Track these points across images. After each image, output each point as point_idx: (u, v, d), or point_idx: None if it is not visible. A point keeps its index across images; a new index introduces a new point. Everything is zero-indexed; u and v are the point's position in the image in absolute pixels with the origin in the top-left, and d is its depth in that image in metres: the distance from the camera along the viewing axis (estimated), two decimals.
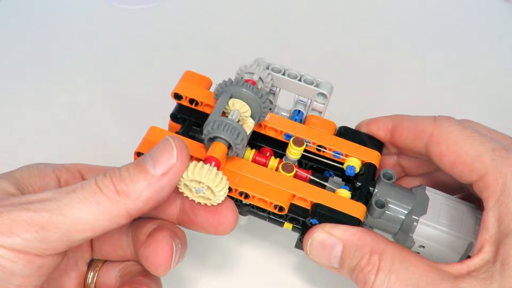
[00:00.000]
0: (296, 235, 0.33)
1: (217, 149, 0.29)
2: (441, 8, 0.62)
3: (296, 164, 0.32)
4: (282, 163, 0.31)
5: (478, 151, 0.28)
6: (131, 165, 0.26)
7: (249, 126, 0.30)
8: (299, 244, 0.32)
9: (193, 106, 0.34)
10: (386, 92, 0.52)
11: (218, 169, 0.28)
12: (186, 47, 0.54)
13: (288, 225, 0.32)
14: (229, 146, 0.29)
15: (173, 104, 0.34)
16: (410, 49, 0.57)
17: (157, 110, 0.36)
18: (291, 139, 0.32)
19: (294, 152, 0.32)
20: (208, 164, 0.27)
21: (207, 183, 0.27)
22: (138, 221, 0.31)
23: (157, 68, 0.52)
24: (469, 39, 0.58)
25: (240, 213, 0.34)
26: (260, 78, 0.33)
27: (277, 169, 0.32)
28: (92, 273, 0.32)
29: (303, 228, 0.31)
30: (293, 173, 0.31)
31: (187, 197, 0.29)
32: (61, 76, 0.51)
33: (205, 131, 0.29)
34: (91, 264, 0.32)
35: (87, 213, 0.24)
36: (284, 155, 0.33)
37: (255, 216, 0.33)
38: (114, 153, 0.40)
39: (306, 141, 0.32)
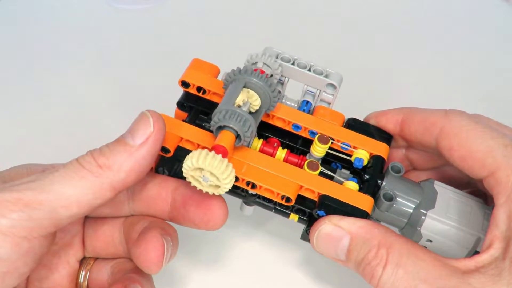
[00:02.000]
0: (300, 227, 0.32)
1: (225, 138, 0.28)
2: (442, 7, 0.61)
3: (320, 161, 0.32)
4: (307, 161, 0.31)
5: (489, 146, 0.28)
6: (111, 142, 0.27)
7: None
8: (305, 236, 0.32)
9: (200, 94, 0.33)
10: (395, 85, 0.52)
11: (225, 157, 0.28)
12: (186, 47, 0.53)
13: (294, 216, 0.32)
14: (237, 136, 0.29)
15: (173, 104, 0.34)
16: (411, 48, 0.56)
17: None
18: (316, 137, 0.31)
19: (319, 150, 0.31)
20: (213, 152, 0.27)
21: (210, 169, 0.27)
22: (130, 218, 0.31)
23: (157, 68, 0.51)
24: (469, 39, 0.57)
25: (246, 203, 0.33)
26: (269, 67, 0.32)
27: (285, 160, 0.31)
28: (84, 271, 0.32)
29: (309, 220, 0.31)
30: (318, 171, 0.31)
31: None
32: (60, 76, 0.50)
33: (213, 120, 0.29)
34: (82, 262, 0.32)
35: (71, 187, 0.25)
36: (292, 145, 0.32)
37: (260, 206, 0.33)
38: None
39: (330, 139, 0.32)
